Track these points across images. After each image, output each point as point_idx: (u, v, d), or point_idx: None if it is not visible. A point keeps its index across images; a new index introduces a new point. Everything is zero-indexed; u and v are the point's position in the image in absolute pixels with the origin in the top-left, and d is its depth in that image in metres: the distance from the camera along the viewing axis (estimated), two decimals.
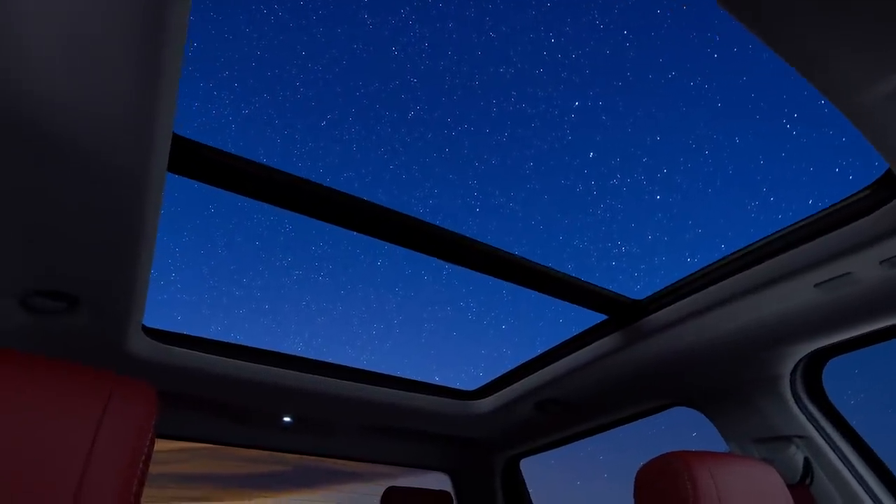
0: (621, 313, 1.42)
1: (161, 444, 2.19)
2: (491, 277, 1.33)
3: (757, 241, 1.20)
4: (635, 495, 1.13)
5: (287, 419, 2.04)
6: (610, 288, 1.40)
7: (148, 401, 0.63)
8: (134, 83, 0.73)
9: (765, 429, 1.43)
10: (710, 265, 1.30)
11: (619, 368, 1.56)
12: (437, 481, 2.72)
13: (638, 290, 1.63)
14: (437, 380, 2.08)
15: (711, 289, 1.27)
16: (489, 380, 2.06)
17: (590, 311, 1.49)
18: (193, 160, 0.95)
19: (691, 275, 1.34)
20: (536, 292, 1.38)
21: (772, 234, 1.17)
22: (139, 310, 1.38)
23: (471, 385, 2.17)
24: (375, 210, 1.12)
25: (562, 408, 1.89)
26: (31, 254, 1.05)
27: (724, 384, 1.49)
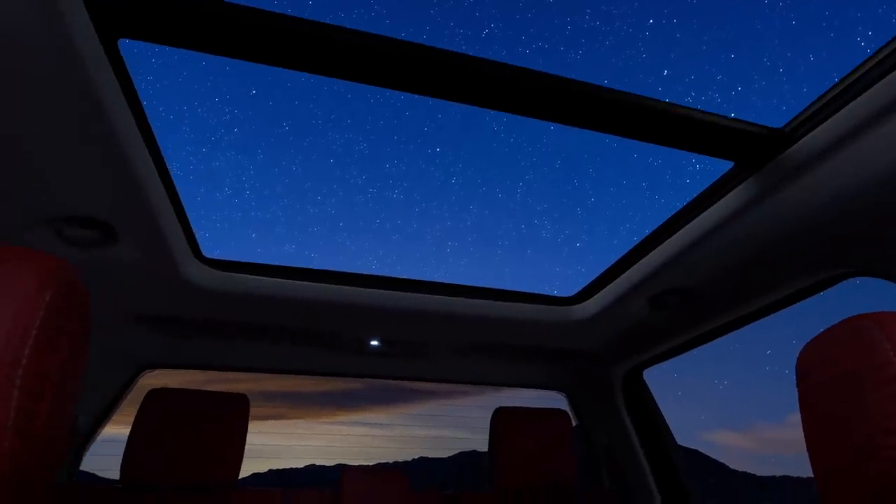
0: (753, 150, 1.02)
1: None
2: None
3: None
4: (800, 385, 0.79)
5: (375, 343, 1.94)
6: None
7: (31, 270, 0.47)
8: None
9: None
10: (881, 49, 0.86)
11: (758, 231, 1.16)
12: (523, 399, 2.52)
13: None
14: None
15: (890, 79, 0.83)
16: (590, 280, 1.75)
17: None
18: (135, 11, 0.76)
19: (852, 73, 0.90)
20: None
21: None
22: (184, 236, 1.31)
23: None
24: (418, 53, 0.83)
25: (683, 299, 1.54)
26: (30, 176, 0.97)
27: None
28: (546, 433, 2.05)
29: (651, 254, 1.41)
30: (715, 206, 1.17)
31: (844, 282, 1.33)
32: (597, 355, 2.09)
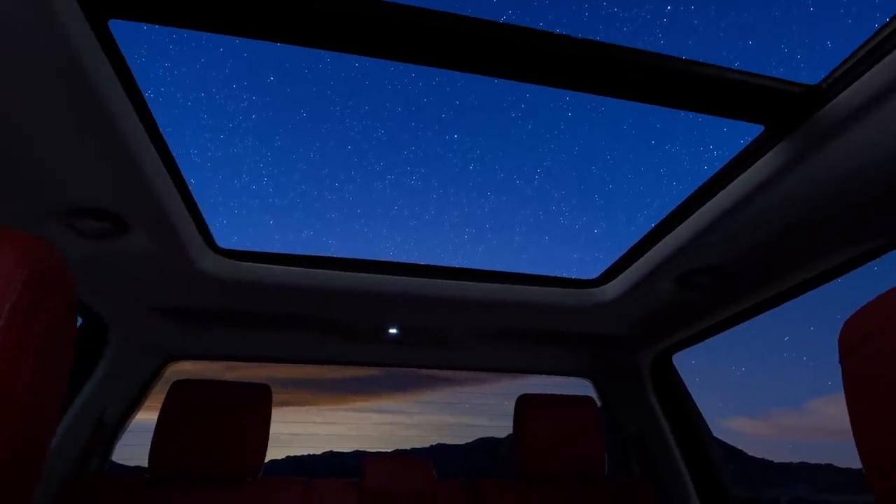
0: (785, 111, 0.94)
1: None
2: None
3: None
4: (843, 362, 0.72)
5: (393, 330, 1.92)
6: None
7: (4, 248, 0.45)
8: None
9: None
10: None
11: (791, 201, 1.08)
12: (541, 386, 2.46)
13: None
14: None
15: None
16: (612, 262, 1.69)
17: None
18: None
19: (893, 20, 0.82)
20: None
21: None
22: (195, 226, 1.30)
23: None
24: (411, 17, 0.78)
25: (712, 278, 1.46)
26: (34, 168, 0.97)
27: None
28: (572, 420, 2.00)
29: (676, 231, 1.33)
30: (743, 175, 1.09)
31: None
32: (622, 339, 2.03)
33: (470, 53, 0.84)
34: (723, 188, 1.15)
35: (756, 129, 1.05)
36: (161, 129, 1.05)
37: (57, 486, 1.62)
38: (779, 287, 1.45)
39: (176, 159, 1.12)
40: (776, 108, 0.93)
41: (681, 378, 2.15)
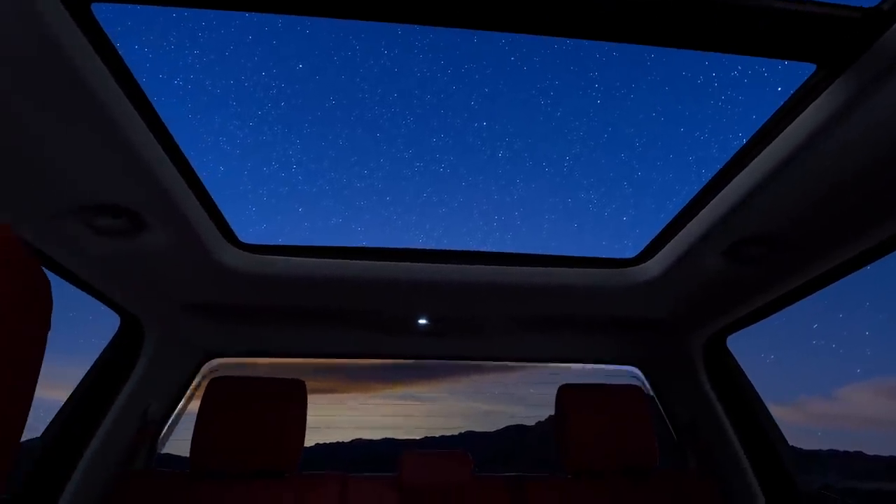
0: (839, 42, 0.81)
1: None
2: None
3: None
4: None
5: (425, 321, 1.87)
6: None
7: None
8: None
9: None
10: None
11: (851, 150, 0.95)
12: (574, 374, 2.34)
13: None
14: None
15: None
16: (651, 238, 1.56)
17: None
18: None
19: None
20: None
21: None
22: (212, 221, 1.29)
23: None
24: None
25: (765, 249, 1.32)
26: (37, 166, 0.96)
27: None
28: (619, 411, 1.89)
29: (719, 197, 1.20)
30: (794, 124, 0.96)
31: None
32: (669, 322, 1.89)
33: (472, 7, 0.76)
34: (770, 142, 1.02)
35: (794, 83, 0.92)
36: (167, 124, 1.02)
37: (102, 483, 1.67)
38: (845, 254, 1.29)
39: (187, 156, 1.10)
40: (828, 39, 0.80)
41: (736, 362, 1.99)
